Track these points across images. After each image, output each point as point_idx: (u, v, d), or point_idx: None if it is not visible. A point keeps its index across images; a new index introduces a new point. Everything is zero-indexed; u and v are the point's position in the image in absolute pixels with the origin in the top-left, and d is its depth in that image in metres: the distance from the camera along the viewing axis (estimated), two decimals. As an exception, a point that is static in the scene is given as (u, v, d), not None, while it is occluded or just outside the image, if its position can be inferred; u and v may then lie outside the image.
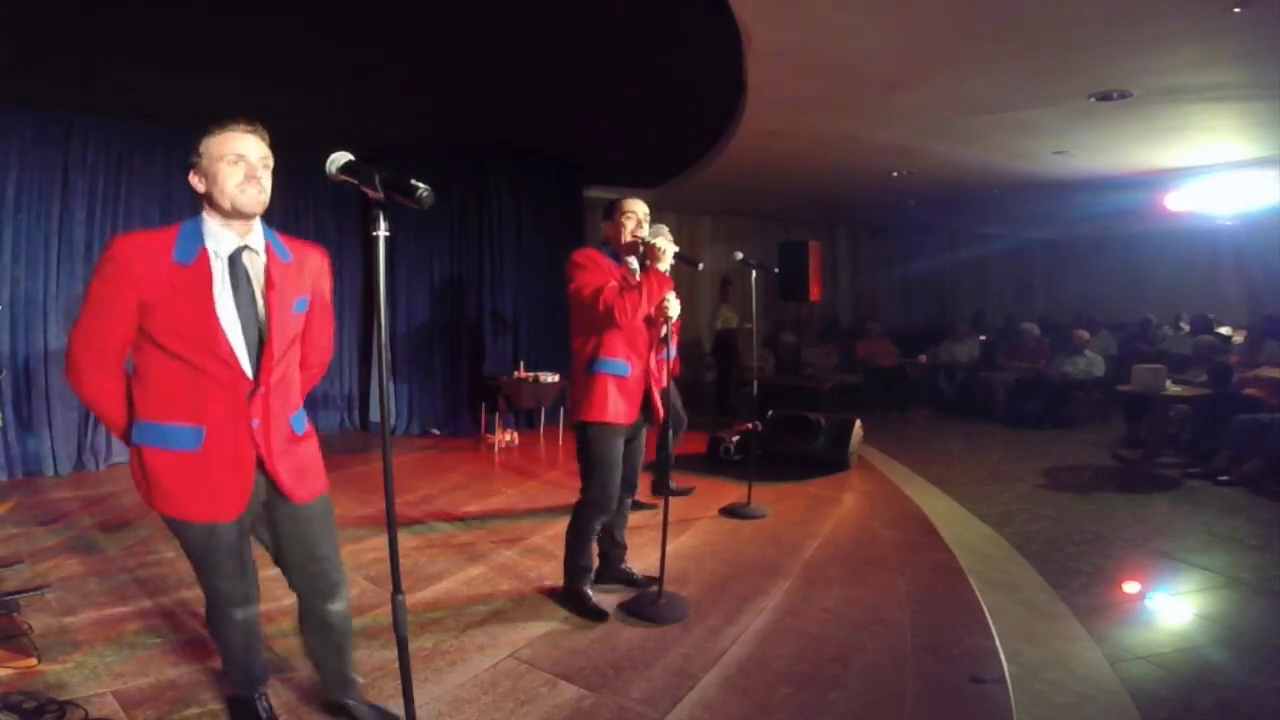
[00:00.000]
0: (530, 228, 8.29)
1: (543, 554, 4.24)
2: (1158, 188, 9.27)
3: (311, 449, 2.23)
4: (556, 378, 7.27)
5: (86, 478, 5.89)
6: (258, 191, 1.98)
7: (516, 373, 7.45)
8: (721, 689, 2.80)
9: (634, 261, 3.44)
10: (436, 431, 8.05)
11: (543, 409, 7.76)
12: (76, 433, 6.05)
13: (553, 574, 3.88)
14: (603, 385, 3.30)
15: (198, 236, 1.98)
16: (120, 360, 2.01)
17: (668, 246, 3.25)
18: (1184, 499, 5.65)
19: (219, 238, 1.99)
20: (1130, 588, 4.03)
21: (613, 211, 3.44)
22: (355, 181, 1.75)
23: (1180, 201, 9.66)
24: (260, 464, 2.07)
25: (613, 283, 3.24)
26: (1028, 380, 9.22)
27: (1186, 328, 11.17)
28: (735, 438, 6.55)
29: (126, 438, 2.07)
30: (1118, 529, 4.92)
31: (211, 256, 1.97)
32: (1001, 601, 3.65)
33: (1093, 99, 5.65)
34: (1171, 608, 3.79)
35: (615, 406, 3.31)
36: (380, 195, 1.71)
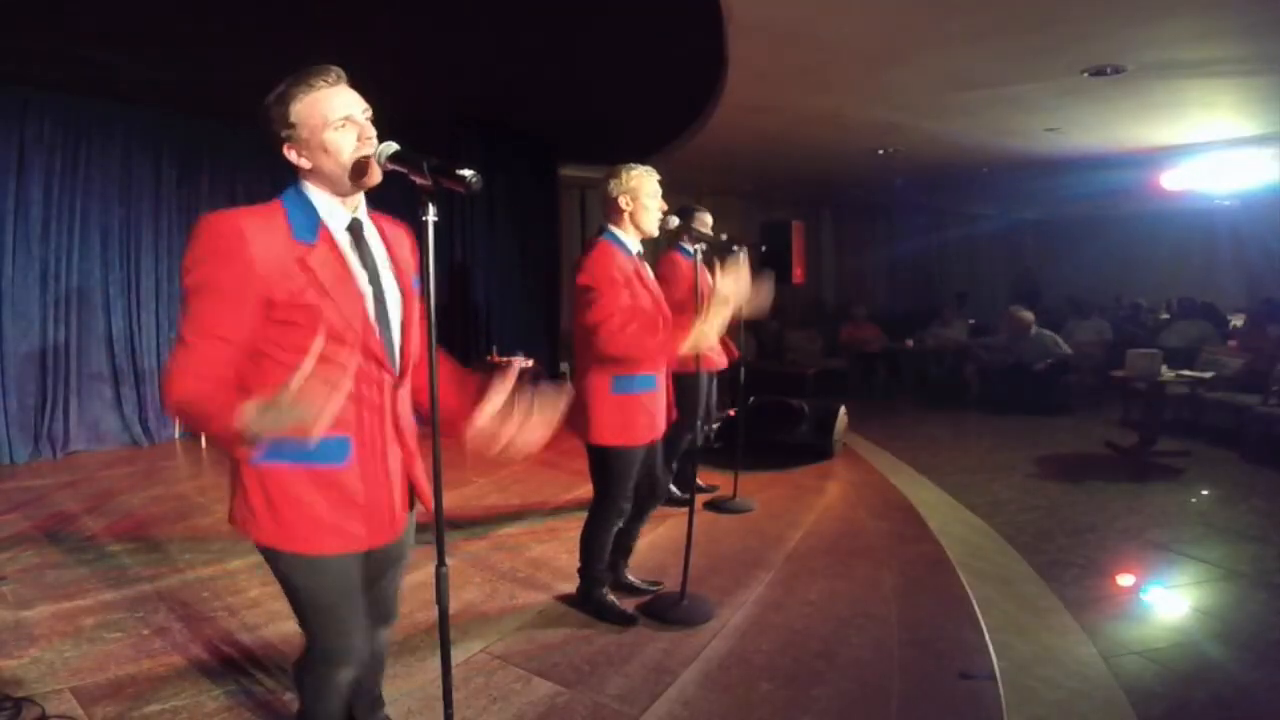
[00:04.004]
0: (502, 207, 8.20)
1: (514, 547, 4.16)
2: (1153, 166, 9.20)
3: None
4: (530, 362, 7.13)
5: (43, 466, 5.78)
6: (372, 152, 1.71)
7: (489, 357, 7.32)
8: (701, 685, 2.74)
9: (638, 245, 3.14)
10: None
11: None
12: (33, 419, 5.93)
13: (525, 567, 3.84)
14: (631, 405, 3.02)
15: (310, 209, 1.71)
16: (238, 374, 1.66)
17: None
18: (1180, 489, 5.63)
19: (330, 212, 1.73)
20: (1124, 580, 4.02)
21: (628, 189, 3.04)
22: (404, 170, 1.67)
23: (1176, 181, 9.60)
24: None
25: (631, 322, 2.90)
26: (1013, 365, 9.14)
27: (1166, 316, 11.12)
28: (716, 424, 6.44)
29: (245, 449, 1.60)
30: (1111, 519, 4.90)
31: (333, 232, 1.72)
32: (991, 595, 3.61)
33: (1085, 74, 5.56)
34: (1167, 601, 3.78)
35: (643, 425, 3.06)
36: (429, 182, 1.65)
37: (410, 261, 1.89)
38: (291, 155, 1.70)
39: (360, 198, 1.79)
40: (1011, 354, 9.12)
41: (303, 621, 1.83)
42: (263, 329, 1.63)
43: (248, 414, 1.46)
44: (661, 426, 3.17)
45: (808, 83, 5.91)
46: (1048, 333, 9.13)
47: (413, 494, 1.88)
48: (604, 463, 3.10)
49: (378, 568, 1.91)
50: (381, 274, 1.77)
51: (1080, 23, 4.60)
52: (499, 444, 1.89)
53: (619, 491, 3.14)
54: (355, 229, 1.75)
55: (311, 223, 1.69)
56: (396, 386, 1.77)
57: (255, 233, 1.60)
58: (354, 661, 1.88)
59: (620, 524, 3.31)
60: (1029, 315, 9.22)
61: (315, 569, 1.73)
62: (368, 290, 1.72)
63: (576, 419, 3.04)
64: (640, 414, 3.04)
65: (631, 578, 3.57)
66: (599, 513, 3.21)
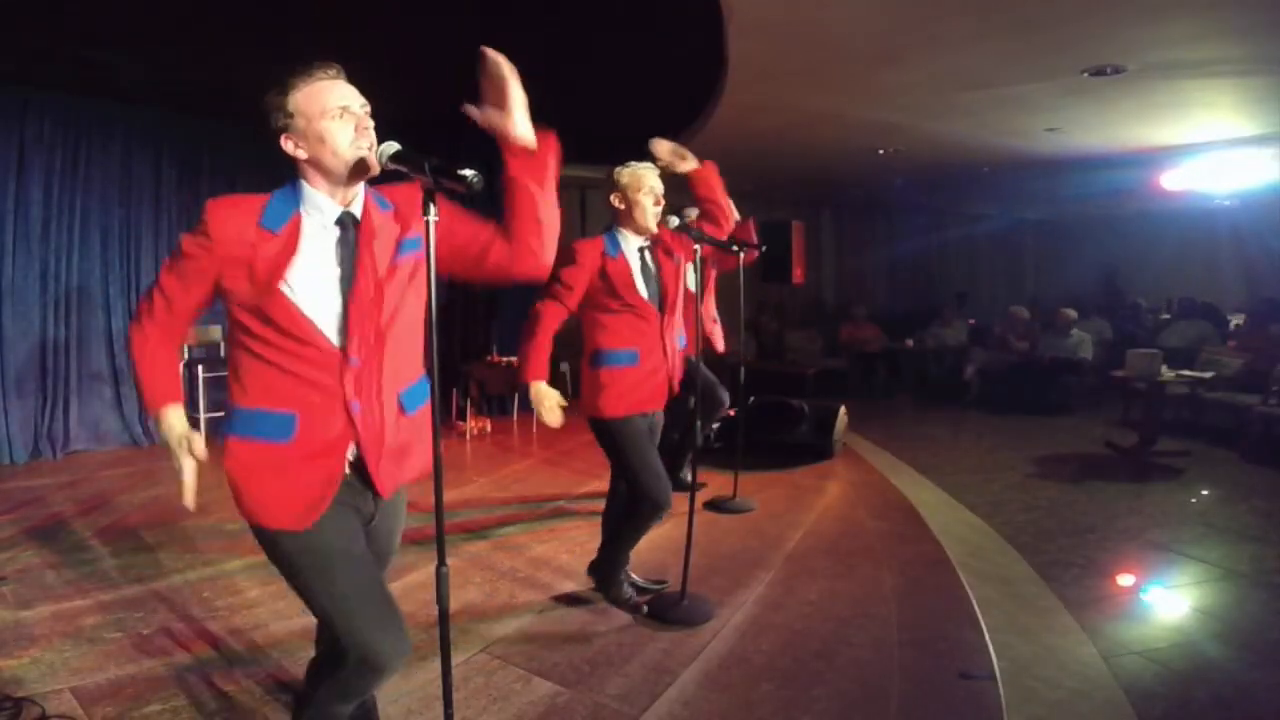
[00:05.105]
0: (503, 207, 8.09)
1: (514, 547, 4.15)
2: (1153, 166, 9.12)
3: (420, 425, 1.92)
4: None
5: (43, 466, 5.75)
6: (370, 145, 1.72)
7: (489, 358, 7.28)
8: (701, 685, 2.74)
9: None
10: None
11: (516, 395, 7.61)
12: (33, 419, 5.91)
13: (525, 567, 3.82)
14: (612, 378, 3.10)
15: (293, 202, 1.74)
16: (183, 326, 1.85)
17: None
18: (1180, 489, 5.61)
19: (321, 205, 1.74)
20: (1124, 580, 3.99)
21: (621, 187, 3.14)
22: (406, 170, 1.70)
23: (1176, 181, 9.52)
24: (359, 456, 1.79)
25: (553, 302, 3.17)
26: (1017, 364, 9.13)
27: (1166, 316, 11.09)
28: (716, 424, 6.42)
29: (153, 407, 1.85)
30: (1111, 519, 4.87)
31: (306, 224, 1.73)
32: (991, 595, 3.59)
33: (1086, 74, 5.51)
34: (1167, 601, 3.75)
35: (630, 396, 3.11)
36: (430, 182, 1.67)
37: (419, 224, 1.79)
38: (289, 146, 1.73)
39: (358, 190, 1.80)
40: (1032, 349, 9.13)
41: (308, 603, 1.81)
42: (235, 317, 1.74)
43: (161, 413, 1.84)
44: (661, 399, 3.22)
45: (808, 83, 5.88)
46: (1088, 336, 9.14)
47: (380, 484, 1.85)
48: (604, 439, 3.16)
49: None
50: (360, 265, 1.75)
51: (1080, 23, 4.56)
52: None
53: (648, 475, 3.11)
54: (345, 222, 1.76)
55: (285, 212, 1.73)
56: (345, 367, 1.72)
57: (227, 216, 1.70)
58: (385, 660, 1.89)
59: (665, 514, 3.23)
60: (1071, 313, 9.27)
61: (271, 543, 1.76)
62: (331, 277, 1.73)
63: (585, 403, 3.20)
64: (621, 384, 3.10)
65: (636, 578, 3.57)
66: (638, 505, 3.17)
